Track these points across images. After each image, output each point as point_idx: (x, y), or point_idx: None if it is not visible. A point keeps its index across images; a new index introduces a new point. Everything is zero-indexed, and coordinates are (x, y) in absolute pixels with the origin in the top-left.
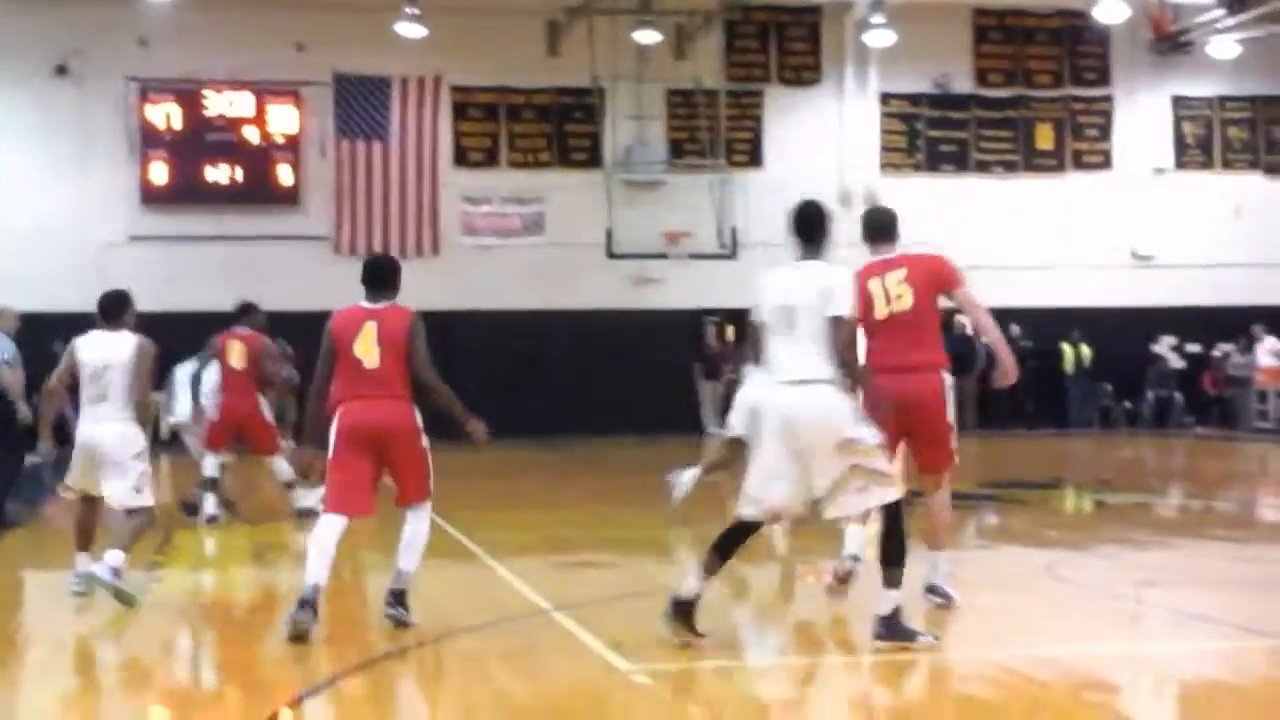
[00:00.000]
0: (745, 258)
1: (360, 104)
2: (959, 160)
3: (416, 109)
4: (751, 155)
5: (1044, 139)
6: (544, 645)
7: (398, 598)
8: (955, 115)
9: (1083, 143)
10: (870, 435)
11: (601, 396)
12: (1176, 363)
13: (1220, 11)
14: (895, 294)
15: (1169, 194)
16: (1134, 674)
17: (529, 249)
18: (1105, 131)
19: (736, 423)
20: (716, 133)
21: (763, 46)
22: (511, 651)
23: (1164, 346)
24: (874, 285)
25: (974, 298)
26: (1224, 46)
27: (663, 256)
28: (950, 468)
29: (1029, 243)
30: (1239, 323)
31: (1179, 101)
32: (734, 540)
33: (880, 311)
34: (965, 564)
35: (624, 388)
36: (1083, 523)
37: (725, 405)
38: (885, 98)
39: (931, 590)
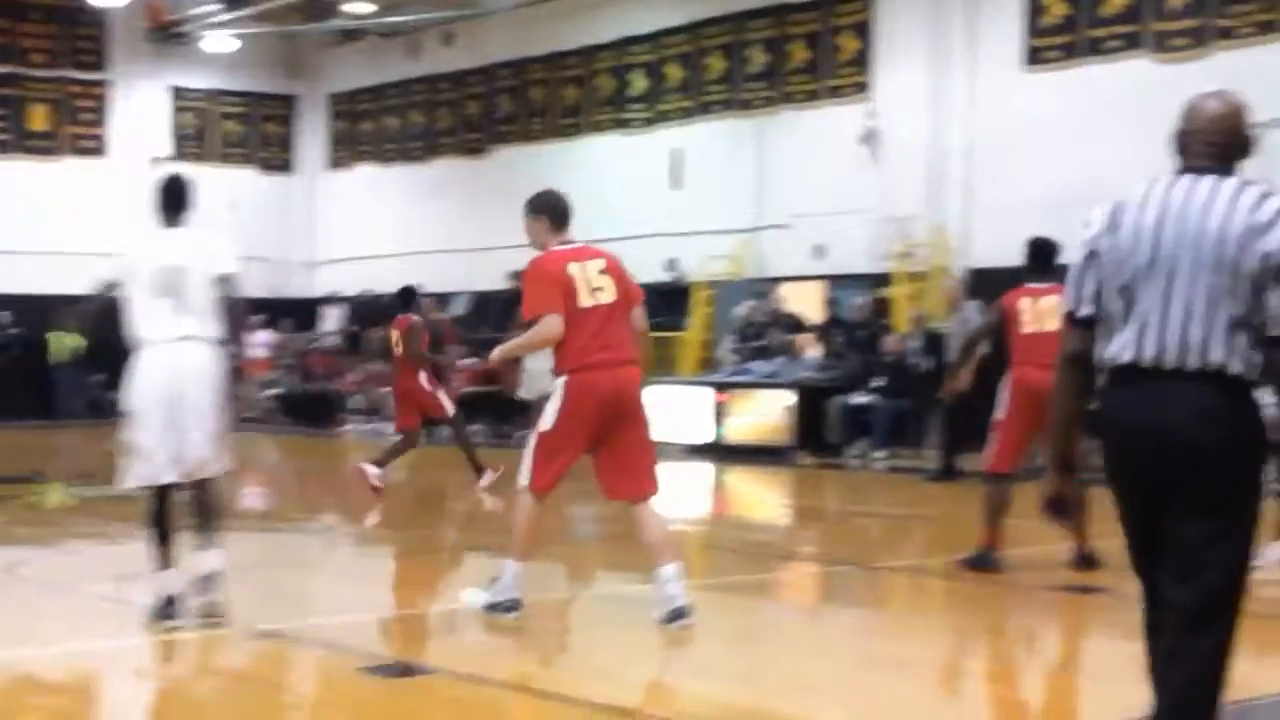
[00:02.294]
0: None
1: None
2: None
3: None
4: None
5: (38, 120)
6: None
7: None
8: None
9: (80, 127)
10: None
11: None
12: None
13: (217, 5)
14: (596, 284)
15: None
16: (90, 671)
17: None
18: (102, 117)
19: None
20: None
21: None
22: None
23: None
24: (575, 270)
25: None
26: (221, 41)
27: None
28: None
29: (22, 227)
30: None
31: (178, 92)
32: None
33: (585, 301)
34: None
35: None
36: (58, 518)
37: None
38: None
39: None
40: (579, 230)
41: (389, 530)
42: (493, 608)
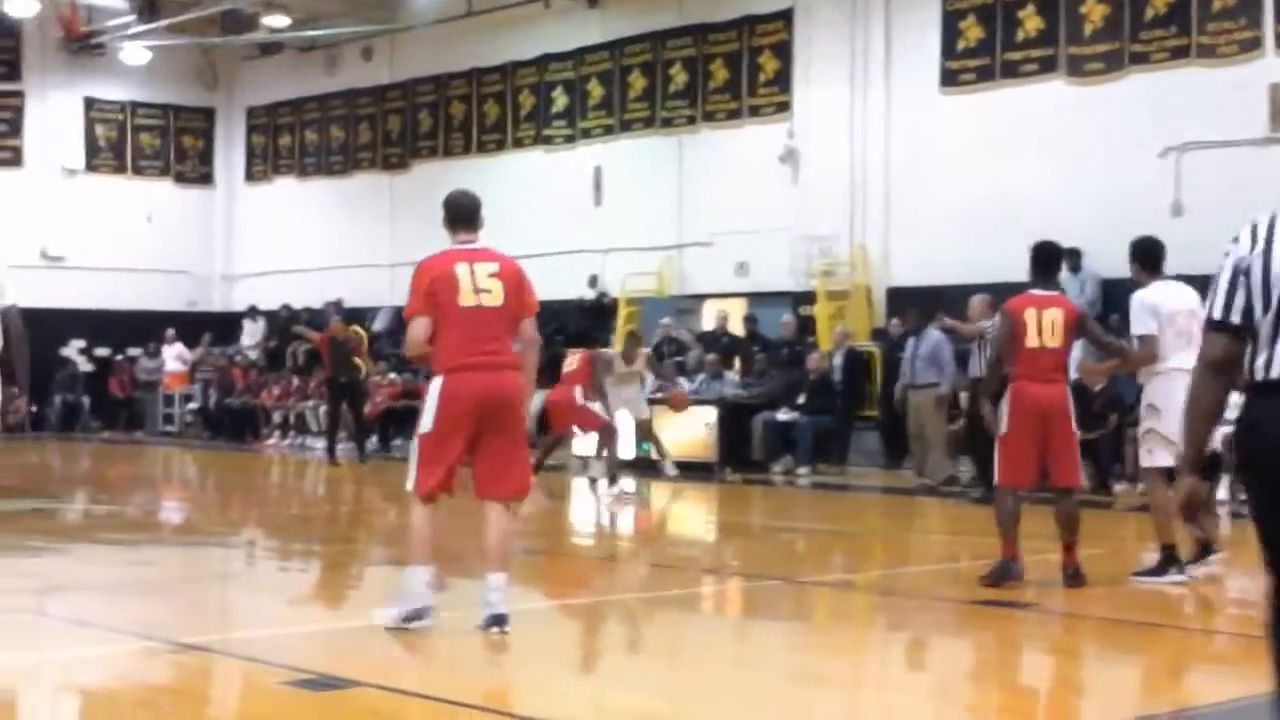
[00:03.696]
0: None
1: None
2: None
3: None
4: None
5: None
6: None
7: None
8: None
9: None
10: None
11: None
12: (85, 366)
13: (131, 17)
14: (484, 286)
15: (80, 195)
16: (11, 685)
17: None
18: (16, 128)
19: None
20: None
21: None
22: None
23: (73, 350)
24: (461, 270)
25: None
26: (136, 52)
27: None
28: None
29: None
30: (148, 327)
31: (92, 103)
32: None
33: (466, 300)
34: None
35: None
36: None
37: None
38: None
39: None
40: (505, 244)
41: (312, 544)
42: (405, 619)
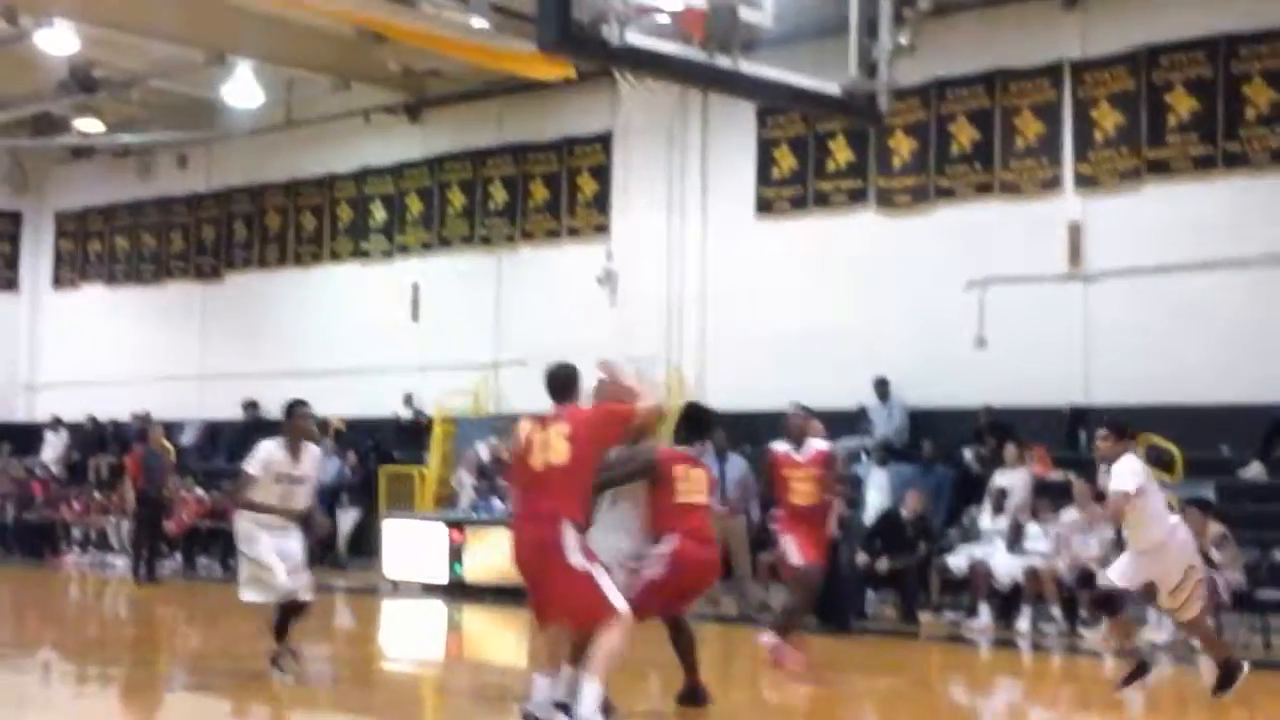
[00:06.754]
0: None
1: None
2: None
3: None
4: None
5: None
6: None
7: None
8: None
9: None
10: None
11: None
12: None
13: None
14: (553, 445)
15: None
16: None
17: None
18: None
19: None
20: None
21: None
22: None
23: None
24: (537, 437)
25: None
26: None
27: None
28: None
29: None
30: None
31: None
32: None
33: (536, 462)
34: None
35: None
36: None
37: None
38: None
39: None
40: (319, 359)
41: (108, 667)
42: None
